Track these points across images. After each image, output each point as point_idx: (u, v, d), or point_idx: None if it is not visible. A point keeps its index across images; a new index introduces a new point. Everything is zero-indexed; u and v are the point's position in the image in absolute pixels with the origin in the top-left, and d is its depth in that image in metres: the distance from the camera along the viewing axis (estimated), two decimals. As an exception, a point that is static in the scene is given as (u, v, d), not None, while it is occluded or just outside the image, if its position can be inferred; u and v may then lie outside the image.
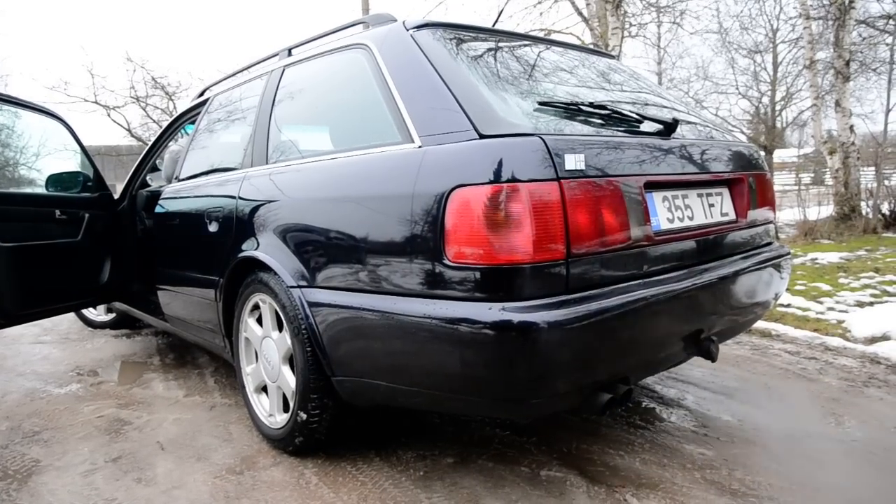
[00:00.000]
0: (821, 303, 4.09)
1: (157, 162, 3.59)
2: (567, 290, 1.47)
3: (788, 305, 3.98)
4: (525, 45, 2.17)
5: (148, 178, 3.63)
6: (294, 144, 2.24)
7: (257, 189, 2.18)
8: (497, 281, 1.43)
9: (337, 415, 1.94)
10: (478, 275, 1.44)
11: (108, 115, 12.31)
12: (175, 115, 3.46)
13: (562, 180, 1.47)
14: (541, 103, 1.72)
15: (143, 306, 3.28)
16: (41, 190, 3.03)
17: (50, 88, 11.94)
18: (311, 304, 1.83)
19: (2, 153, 3.09)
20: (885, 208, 7.99)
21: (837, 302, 4.08)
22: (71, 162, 3.16)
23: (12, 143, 3.05)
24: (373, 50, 1.92)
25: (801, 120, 17.83)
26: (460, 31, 1.99)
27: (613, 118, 1.81)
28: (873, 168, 9.12)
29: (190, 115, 3.17)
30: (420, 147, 1.61)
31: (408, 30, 1.89)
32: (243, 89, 2.66)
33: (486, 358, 1.45)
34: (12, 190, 3.05)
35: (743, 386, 2.59)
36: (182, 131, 3.65)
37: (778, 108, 17.98)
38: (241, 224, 2.21)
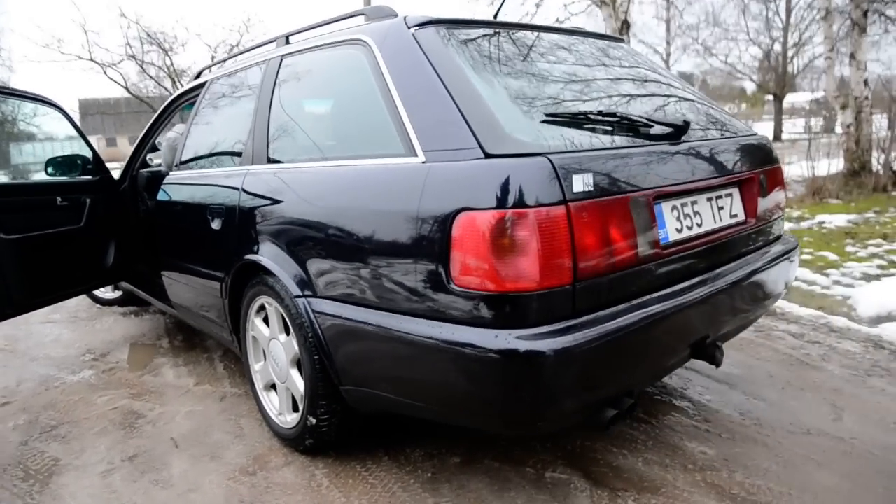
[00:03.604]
0: (827, 275, 4.08)
1: (157, 141, 3.55)
2: (574, 312, 1.46)
3: (794, 279, 3.97)
4: (530, 38, 2.08)
5: (148, 157, 3.60)
6: (295, 143, 2.19)
7: (259, 188, 2.15)
8: (503, 308, 1.42)
9: (346, 418, 1.98)
10: (483, 301, 1.43)
11: (105, 73, 12.09)
12: (173, 95, 3.37)
13: (569, 203, 1.44)
14: (547, 114, 1.66)
15: (148, 289, 3.30)
16: (41, 177, 3.00)
17: (44, 46, 11.68)
18: (317, 314, 1.83)
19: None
20: (897, 164, 7.82)
21: (843, 275, 4.07)
22: (69, 148, 3.12)
23: (6, 131, 3.01)
24: (373, 48, 1.85)
25: (813, 66, 17.30)
26: (462, 28, 1.90)
27: (622, 124, 1.76)
28: (884, 115, 8.71)
29: (187, 98, 3.11)
30: (424, 163, 1.57)
31: (409, 28, 1.81)
32: (240, 77, 2.59)
33: (491, 383, 1.46)
34: (12, 180, 3.03)
35: (746, 374, 2.61)
36: (182, 111, 3.58)
37: (790, 53, 17.45)
38: (243, 225, 2.18)
